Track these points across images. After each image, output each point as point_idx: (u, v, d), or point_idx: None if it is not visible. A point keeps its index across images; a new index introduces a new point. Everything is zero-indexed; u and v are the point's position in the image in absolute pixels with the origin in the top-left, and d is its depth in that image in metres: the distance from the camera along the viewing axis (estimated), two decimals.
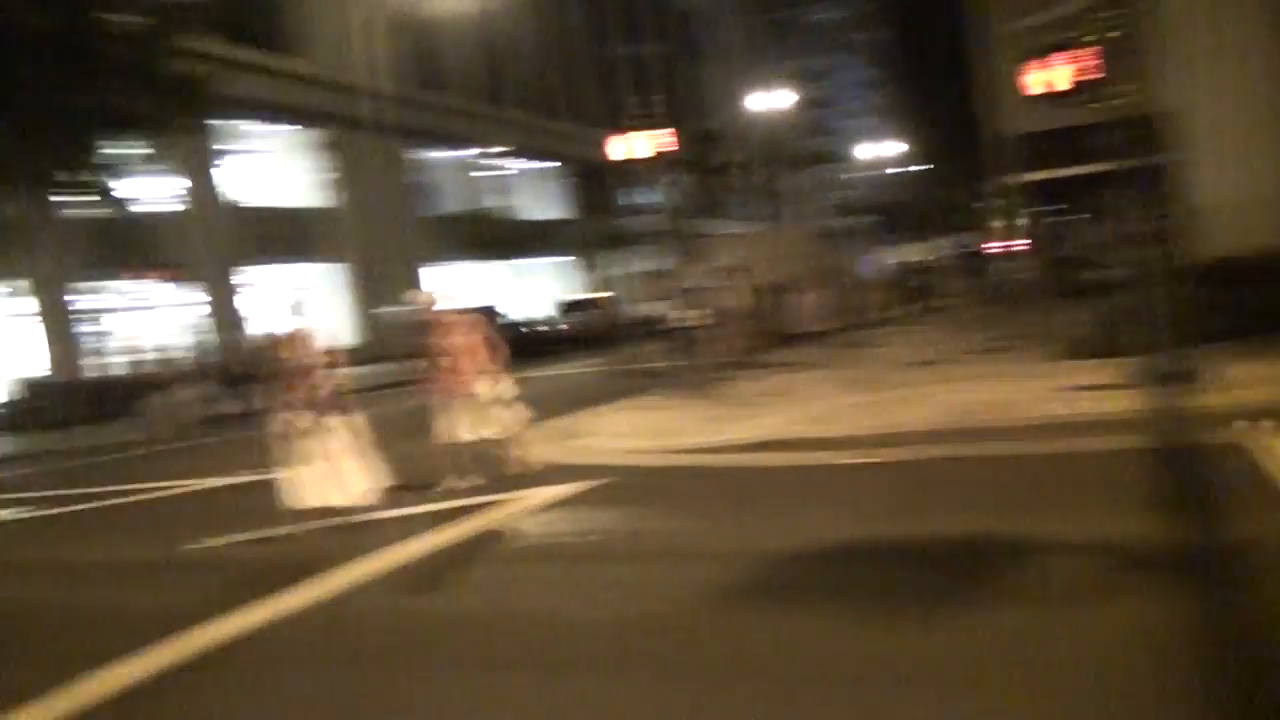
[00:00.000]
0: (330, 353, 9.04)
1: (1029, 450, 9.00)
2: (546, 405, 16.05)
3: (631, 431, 12.33)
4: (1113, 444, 8.67)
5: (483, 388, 10.19)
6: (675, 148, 27.48)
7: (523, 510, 8.97)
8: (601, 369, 22.21)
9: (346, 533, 8.79)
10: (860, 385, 13.97)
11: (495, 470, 10.35)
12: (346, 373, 9.38)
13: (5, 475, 17.94)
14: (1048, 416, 10.13)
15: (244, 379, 22.98)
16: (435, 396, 10.28)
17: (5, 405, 27.76)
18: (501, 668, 5.34)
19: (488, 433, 10.27)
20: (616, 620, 5.87)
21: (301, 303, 9.31)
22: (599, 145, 42.27)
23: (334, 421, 8.86)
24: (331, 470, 8.80)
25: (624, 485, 9.71)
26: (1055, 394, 11.22)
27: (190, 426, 20.74)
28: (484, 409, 10.19)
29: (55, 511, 12.80)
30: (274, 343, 8.99)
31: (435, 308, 10.47)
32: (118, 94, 25.97)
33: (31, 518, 12.84)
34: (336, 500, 8.83)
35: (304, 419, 8.77)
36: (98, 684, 5.75)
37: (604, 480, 9.87)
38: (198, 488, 12.85)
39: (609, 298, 29.12)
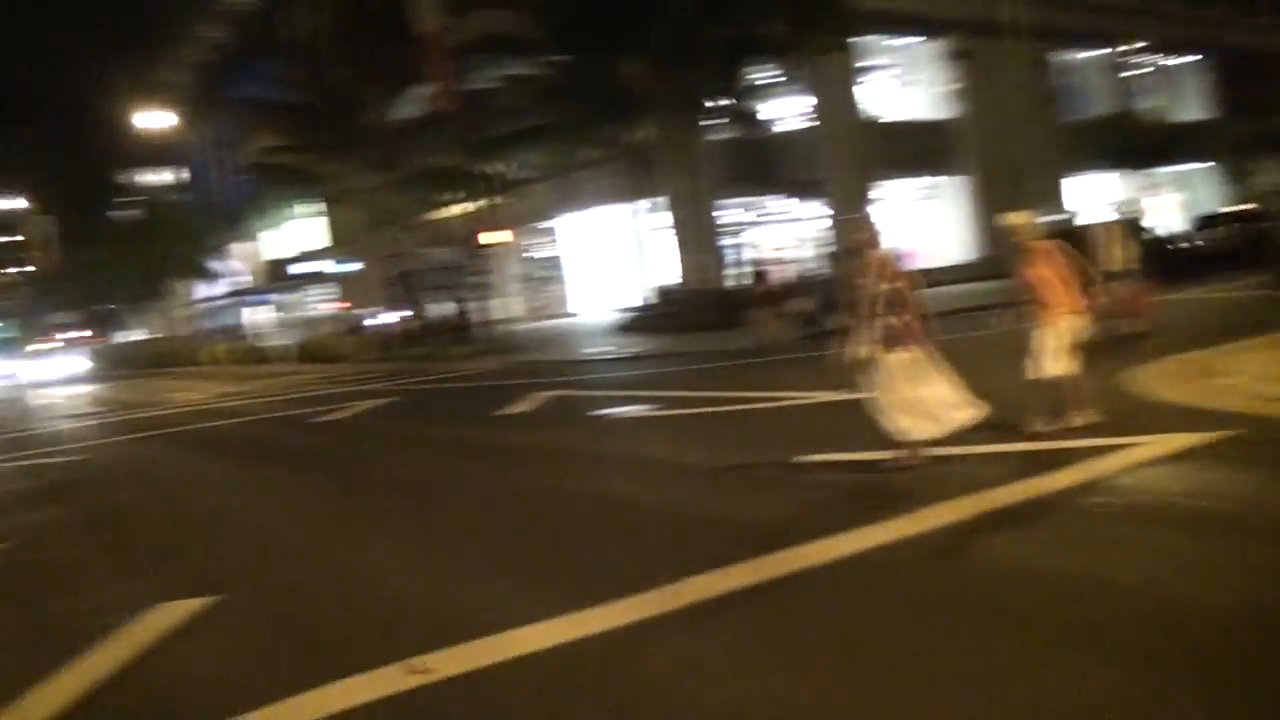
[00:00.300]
0: (908, 277, 8.47)
1: None
2: (1185, 334, 14.63)
3: (1274, 374, 10.52)
4: None
5: (1064, 323, 9.16)
6: None
7: (1130, 461, 7.94)
8: (1251, 294, 19.43)
9: (929, 468, 8.39)
10: None
11: (1097, 411, 9.35)
12: (928, 296, 8.81)
13: (633, 373, 19.78)
14: None
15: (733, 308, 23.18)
16: (1029, 327, 9.46)
17: (641, 309, 30.68)
18: (1074, 647, 4.67)
19: (1058, 371, 9.23)
20: (1228, 611, 4.90)
21: (877, 223, 8.87)
22: (1256, 31, 37.13)
23: (909, 351, 8.37)
24: (913, 401, 8.39)
25: (1258, 441, 8.24)
26: None
27: (798, 340, 21.31)
28: (1063, 346, 9.18)
29: (673, 412, 13.80)
30: (853, 266, 8.70)
31: (1025, 230, 9.48)
32: (759, 22, 27.25)
33: (652, 416, 13.93)
34: (921, 432, 8.44)
35: (876, 346, 8.43)
36: (701, 585, 6.02)
37: (1233, 431, 8.48)
38: (795, 401, 13.09)
39: (1258, 210, 25.31)
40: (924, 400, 8.40)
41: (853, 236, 8.74)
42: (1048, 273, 9.22)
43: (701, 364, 19.85)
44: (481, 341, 29.55)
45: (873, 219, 8.93)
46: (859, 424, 9.07)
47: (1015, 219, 9.61)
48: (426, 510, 9.52)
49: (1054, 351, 9.17)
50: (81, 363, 46.27)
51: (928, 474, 8.24)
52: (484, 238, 28.17)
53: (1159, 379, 11.16)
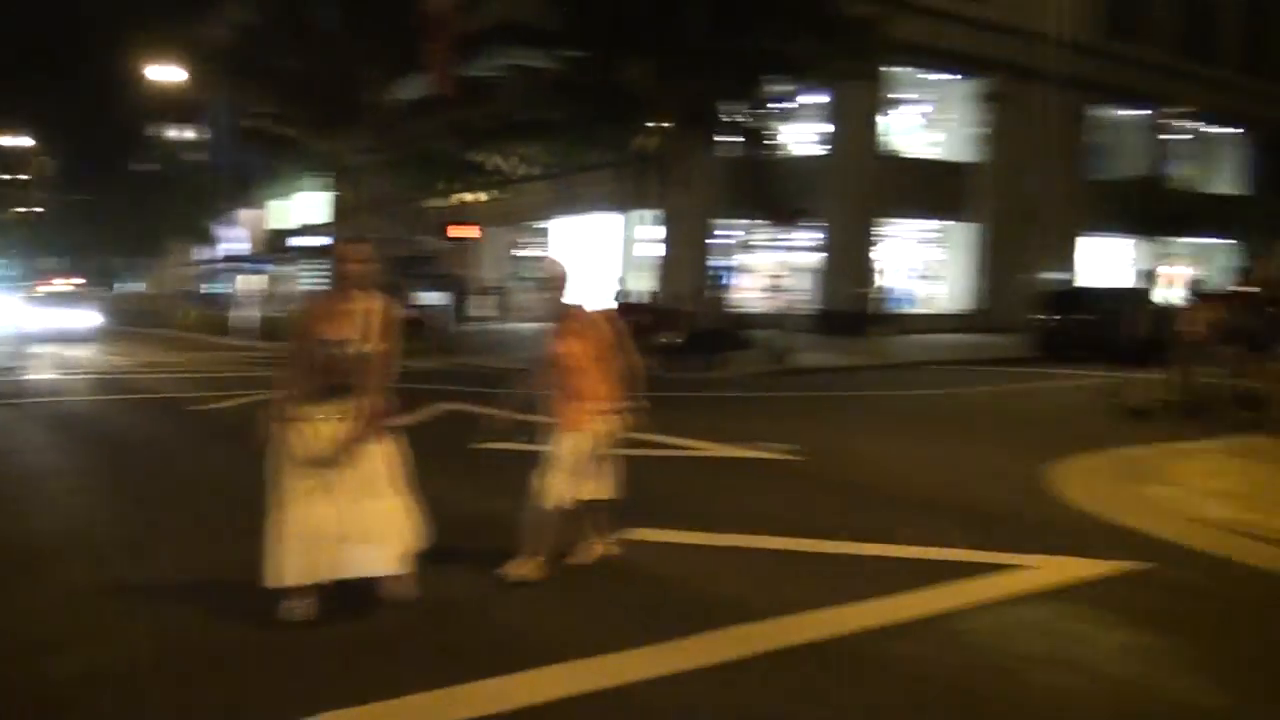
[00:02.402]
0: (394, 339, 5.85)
1: None
2: (1159, 424, 13.39)
3: (1216, 489, 8.93)
4: None
5: (591, 427, 6.45)
6: None
7: (1001, 591, 6.33)
8: (1224, 381, 17.35)
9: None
10: None
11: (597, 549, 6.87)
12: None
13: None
14: None
15: (711, 336, 21.61)
16: (548, 430, 6.58)
17: None
18: None
19: (588, 493, 6.56)
20: None
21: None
22: None
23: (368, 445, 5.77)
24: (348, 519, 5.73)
25: (1170, 582, 6.65)
26: None
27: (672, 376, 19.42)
28: (582, 460, 6.45)
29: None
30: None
31: (559, 286, 6.54)
32: (786, 36, 25.73)
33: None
34: (301, 570, 5.64)
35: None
36: None
37: (1145, 564, 6.92)
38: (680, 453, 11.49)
39: (1256, 292, 23.37)
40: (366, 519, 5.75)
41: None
42: (581, 351, 6.46)
43: None
44: (438, 339, 28.02)
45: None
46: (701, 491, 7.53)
47: (549, 265, 6.66)
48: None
49: (571, 468, 6.41)
50: (93, 316, 38.54)
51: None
52: (454, 231, 26.69)
53: (1085, 476, 9.60)
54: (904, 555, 7.08)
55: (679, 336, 21.42)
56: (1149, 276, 35.96)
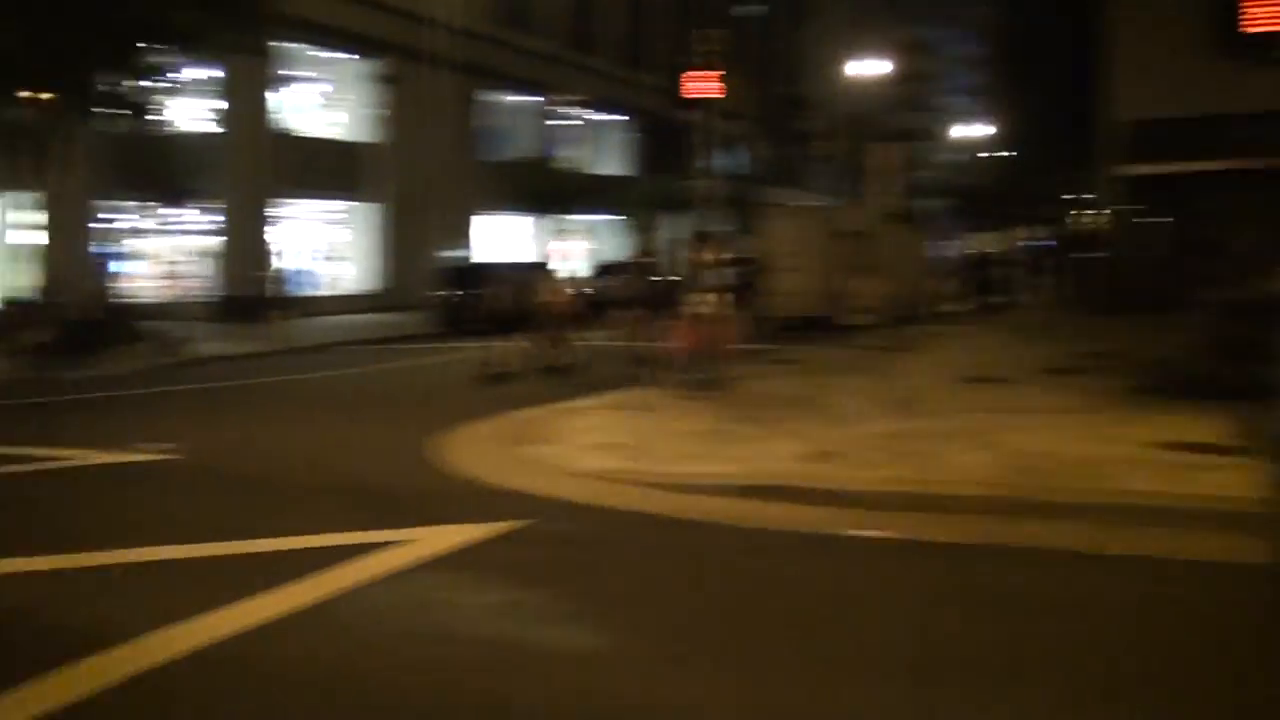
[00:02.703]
0: None
1: (1127, 551, 6.30)
2: (543, 387, 14.12)
3: (598, 442, 9.58)
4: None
5: None
6: (723, 94, 24.59)
7: (375, 570, 6.20)
8: (622, 344, 18.92)
9: None
10: (898, 404, 11.10)
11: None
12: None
13: None
14: (1147, 495, 7.19)
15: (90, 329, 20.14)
16: None
17: None
18: None
19: None
20: None
21: None
22: (675, 101, 39.80)
23: None
24: None
25: (547, 536, 7.01)
26: (1150, 453, 8.29)
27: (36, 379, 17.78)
28: None
29: None
30: None
31: None
32: (164, 3, 23.89)
33: None
34: None
35: None
36: None
37: (524, 521, 7.21)
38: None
39: (650, 263, 25.93)
40: None
41: None
42: None
43: None
44: None
45: None
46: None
47: None
48: None
49: None
50: None
51: None
52: None
53: (470, 444, 9.91)
54: (286, 547, 6.79)
55: (47, 334, 19.23)
56: (582, 258, 38.21)
